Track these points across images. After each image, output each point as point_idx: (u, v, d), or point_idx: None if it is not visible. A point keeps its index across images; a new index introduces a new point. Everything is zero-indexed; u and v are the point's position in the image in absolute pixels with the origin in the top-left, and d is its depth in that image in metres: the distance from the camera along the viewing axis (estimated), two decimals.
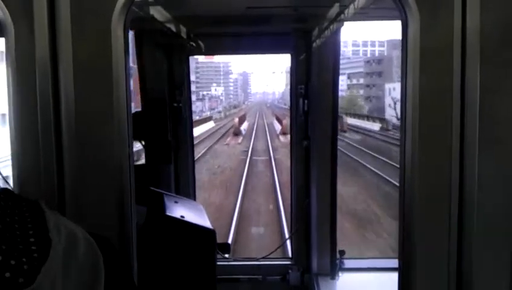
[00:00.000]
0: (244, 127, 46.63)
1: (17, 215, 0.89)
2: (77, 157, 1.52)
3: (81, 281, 0.93)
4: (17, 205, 0.91)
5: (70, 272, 0.90)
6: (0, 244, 0.81)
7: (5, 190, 0.92)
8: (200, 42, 3.97)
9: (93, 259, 0.98)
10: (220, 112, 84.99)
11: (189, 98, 4.28)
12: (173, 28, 3.49)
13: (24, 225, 0.88)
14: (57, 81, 1.50)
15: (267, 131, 44.40)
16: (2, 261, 0.80)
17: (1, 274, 0.79)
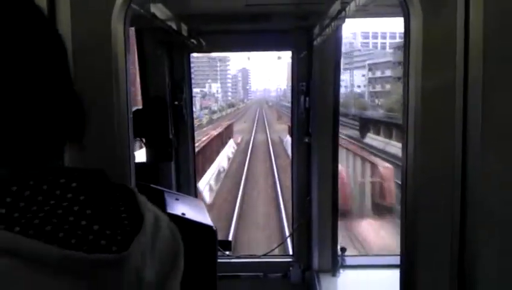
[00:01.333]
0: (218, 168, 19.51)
1: (108, 193, 0.93)
2: (77, 156, 1.52)
3: (163, 263, 0.96)
4: (107, 185, 0.94)
5: (155, 252, 0.93)
6: (96, 214, 0.85)
7: (96, 170, 0.95)
8: (201, 40, 3.96)
9: (175, 244, 1.01)
10: (214, 111, 70.82)
11: (190, 96, 4.28)
12: (174, 26, 3.49)
13: (115, 201, 0.92)
14: None
15: (275, 171, 19.86)
16: (98, 230, 0.83)
17: (97, 241, 0.83)
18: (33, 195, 0.83)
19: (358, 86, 77.79)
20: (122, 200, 0.93)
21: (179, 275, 1.03)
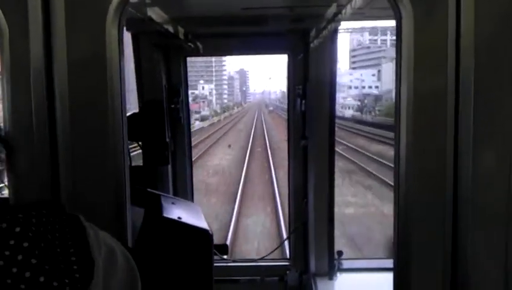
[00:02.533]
0: None
1: (58, 231, 0.86)
2: (72, 158, 1.52)
3: None
4: (57, 220, 0.88)
5: (110, 287, 0.89)
6: (43, 264, 0.79)
7: (47, 203, 0.90)
8: (197, 43, 3.97)
9: (131, 274, 0.97)
10: (204, 118, 59.97)
11: (187, 99, 4.27)
12: (170, 29, 3.49)
13: (65, 242, 0.86)
14: (52, 83, 1.50)
15: None
16: (44, 282, 0.78)
17: None
18: None
19: (370, 87, 74.71)
20: (72, 239, 0.87)
21: None
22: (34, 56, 1.48)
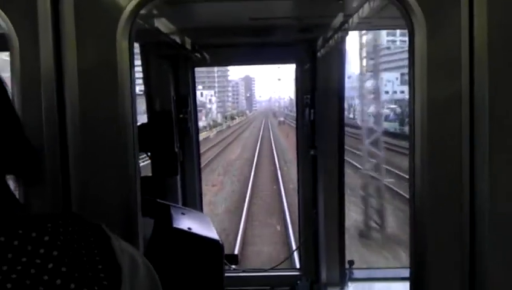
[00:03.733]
0: None
1: (83, 240, 0.87)
2: (83, 169, 1.52)
3: None
4: (81, 230, 0.89)
5: None
6: (73, 272, 0.80)
7: (71, 213, 0.91)
8: (205, 53, 3.98)
9: (152, 284, 0.98)
10: None
11: (196, 109, 4.29)
12: (178, 40, 3.51)
13: (91, 251, 0.87)
14: (62, 94, 1.50)
15: None
16: (75, 289, 0.79)
17: None
18: (3, 253, 0.78)
19: (395, 92, 66.26)
20: (97, 247, 0.88)
21: None
22: (44, 66, 1.48)
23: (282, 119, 69.40)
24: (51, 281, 0.77)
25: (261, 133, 50.28)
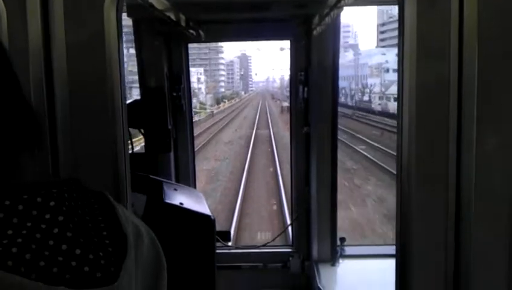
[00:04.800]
0: None
1: (87, 206, 0.87)
2: (72, 144, 1.51)
3: (146, 277, 0.92)
4: (85, 196, 0.89)
5: (139, 269, 0.89)
6: (78, 237, 0.80)
7: (75, 180, 0.90)
8: (199, 30, 3.94)
9: (156, 255, 0.98)
10: None
11: (189, 86, 4.26)
12: (171, 16, 3.46)
13: (95, 218, 0.86)
14: (51, 67, 1.49)
15: None
16: (80, 255, 0.79)
17: (80, 268, 0.78)
18: (8, 217, 0.77)
19: None
20: (102, 215, 0.88)
21: (164, 285, 1.00)
22: (32, 38, 1.47)
23: (286, 104, 44.31)
24: (57, 246, 0.78)
25: (256, 123, 33.20)
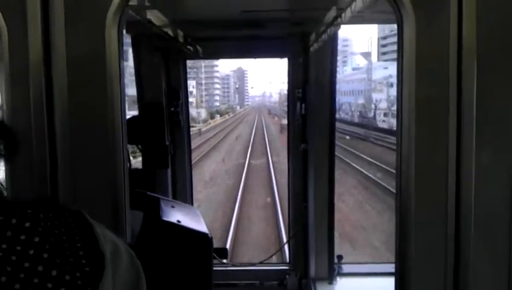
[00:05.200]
0: None
1: (64, 226, 0.86)
2: (71, 160, 1.50)
3: None
4: (62, 216, 0.88)
5: (116, 286, 0.88)
6: (54, 258, 0.79)
7: (50, 200, 0.89)
8: (197, 46, 3.96)
9: (135, 272, 0.97)
10: None
11: (187, 102, 4.27)
12: (170, 32, 3.48)
13: (72, 237, 0.85)
14: (51, 83, 1.48)
15: None
16: (57, 276, 0.78)
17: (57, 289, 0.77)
18: None
19: None
20: (78, 234, 0.87)
21: None
22: (33, 55, 1.47)
23: (285, 122, 22.69)
24: (32, 267, 0.77)
25: (246, 165, 21.96)
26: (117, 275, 0.89)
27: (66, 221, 0.87)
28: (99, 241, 0.87)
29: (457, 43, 1.46)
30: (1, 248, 0.77)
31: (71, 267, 0.80)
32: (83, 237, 0.87)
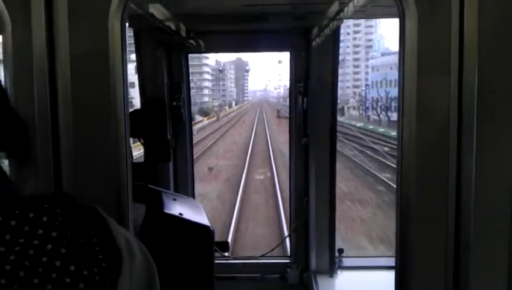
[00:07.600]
0: None
1: (79, 221, 0.86)
2: (74, 154, 1.51)
3: None
4: (77, 211, 0.88)
5: (133, 283, 0.88)
6: (72, 253, 0.79)
7: (65, 194, 0.89)
8: (199, 40, 3.97)
9: (148, 270, 0.97)
10: None
11: (189, 96, 4.28)
12: (172, 26, 3.49)
13: (87, 233, 0.85)
14: (54, 78, 1.49)
15: None
16: (75, 271, 0.77)
17: (75, 285, 0.76)
18: (0, 234, 0.76)
19: None
20: (94, 229, 0.87)
21: None
22: (36, 50, 1.47)
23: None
24: (50, 262, 0.76)
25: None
26: (133, 272, 0.89)
27: (81, 216, 0.87)
28: (115, 236, 0.87)
29: (459, 36, 1.46)
30: (19, 242, 0.76)
31: (88, 263, 0.80)
32: (98, 233, 0.87)
